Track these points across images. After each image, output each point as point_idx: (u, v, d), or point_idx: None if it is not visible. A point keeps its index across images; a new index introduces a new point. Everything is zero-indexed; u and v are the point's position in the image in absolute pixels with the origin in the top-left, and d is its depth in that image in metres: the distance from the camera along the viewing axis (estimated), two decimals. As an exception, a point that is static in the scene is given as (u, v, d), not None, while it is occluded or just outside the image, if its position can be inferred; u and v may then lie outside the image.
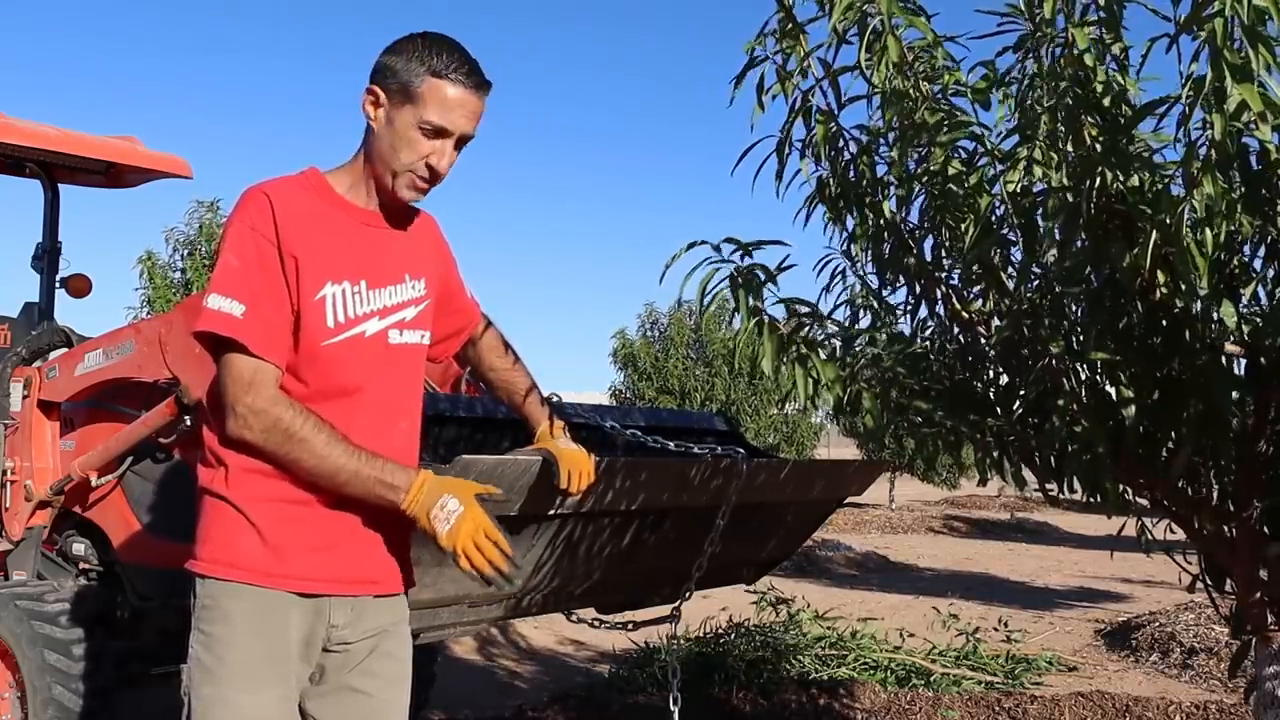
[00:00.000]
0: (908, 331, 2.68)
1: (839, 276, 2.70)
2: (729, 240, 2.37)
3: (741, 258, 2.37)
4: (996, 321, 2.50)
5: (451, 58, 1.97)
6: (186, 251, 12.55)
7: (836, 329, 2.62)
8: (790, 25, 2.37)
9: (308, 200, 2.00)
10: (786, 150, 2.53)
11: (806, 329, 2.48)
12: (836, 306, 2.70)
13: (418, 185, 2.02)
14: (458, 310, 2.31)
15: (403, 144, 1.97)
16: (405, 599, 2.16)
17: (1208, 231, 1.88)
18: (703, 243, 2.41)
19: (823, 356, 2.41)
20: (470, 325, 2.37)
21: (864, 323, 2.71)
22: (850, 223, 2.58)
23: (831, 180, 2.56)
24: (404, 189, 2.02)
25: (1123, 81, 2.11)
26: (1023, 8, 2.19)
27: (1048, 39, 2.10)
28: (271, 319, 1.92)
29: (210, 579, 1.95)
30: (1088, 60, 2.04)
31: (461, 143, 2.03)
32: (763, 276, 2.35)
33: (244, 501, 1.95)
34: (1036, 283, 2.44)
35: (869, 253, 2.59)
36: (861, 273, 2.68)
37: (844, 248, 2.66)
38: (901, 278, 2.61)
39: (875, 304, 2.67)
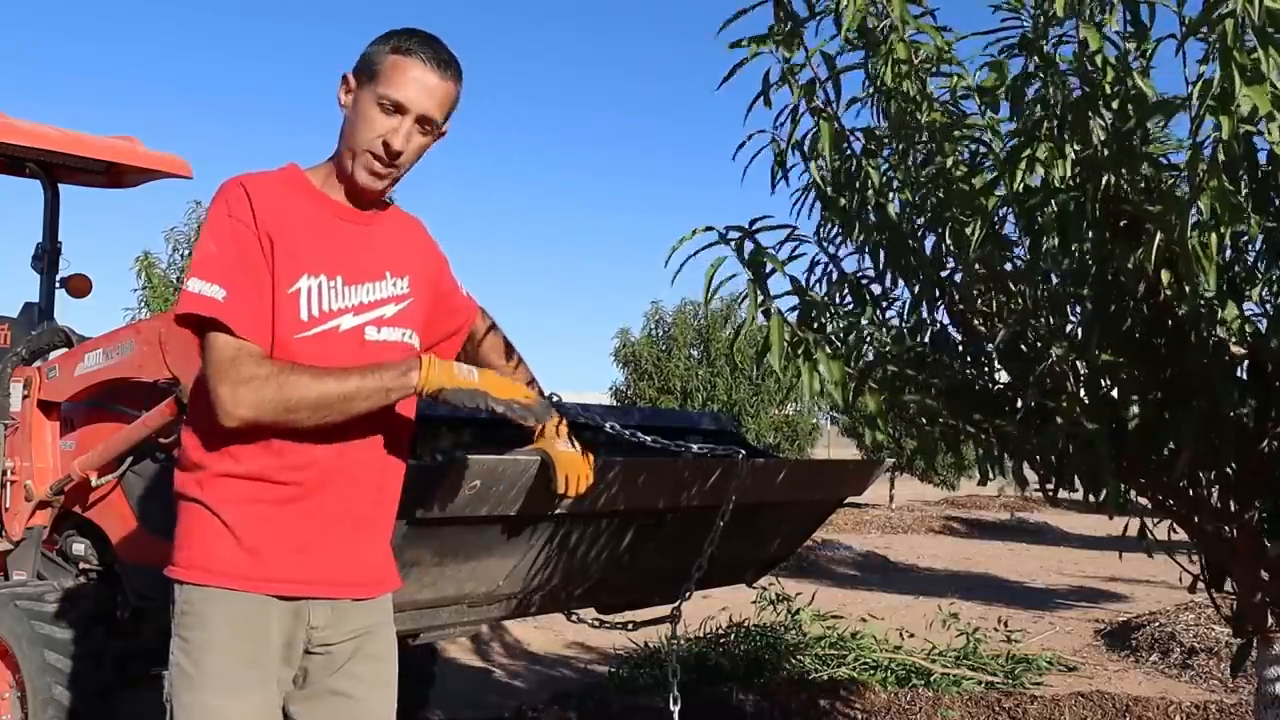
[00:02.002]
0: (902, 325, 2.67)
1: (816, 263, 2.68)
2: (734, 228, 2.35)
3: (741, 247, 2.35)
4: (999, 320, 2.50)
5: (417, 40, 1.99)
6: (186, 251, 12.56)
7: (842, 322, 2.61)
8: (789, 25, 2.36)
9: (285, 194, 1.99)
10: (788, 150, 2.52)
11: (814, 320, 2.47)
12: (841, 299, 2.69)
13: (374, 169, 2.00)
14: (453, 311, 2.30)
15: (362, 122, 1.97)
16: (387, 600, 2.14)
17: (1213, 234, 1.87)
18: (710, 228, 2.40)
19: (829, 352, 2.40)
20: (466, 324, 2.35)
21: (859, 314, 2.70)
22: (851, 219, 2.57)
23: (829, 180, 2.55)
24: (360, 171, 2.00)
25: (1134, 82, 2.09)
26: (1027, 3, 2.18)
27: (1054, 38, 2.09)
28: (252, 302, 1.90)
29: (188, 584, 1.94)
30: (1099, 61, 2.03)
31: (426, 126, 2.00)
32: (770, 266, 2.34)
33: (219, 504, 1.93)
34: (1040, 283, 2.43)
35: (869, 249, 2.59)
36: (837, 256, 2.66)
37: (830, 240, 2.64)
38: (901, 275, 2.60)
39: (856, 291, 2.65)
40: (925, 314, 2.63)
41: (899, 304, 2.68)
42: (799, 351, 2.35)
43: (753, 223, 2.43)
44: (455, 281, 2.32)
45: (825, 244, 2.64)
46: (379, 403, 1.93)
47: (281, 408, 1.86)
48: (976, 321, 2.53)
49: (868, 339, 2.60)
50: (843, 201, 2.55)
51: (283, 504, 1.94)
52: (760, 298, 2.35)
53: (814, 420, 17.47)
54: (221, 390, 1.86)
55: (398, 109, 1.97)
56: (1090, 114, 2.06)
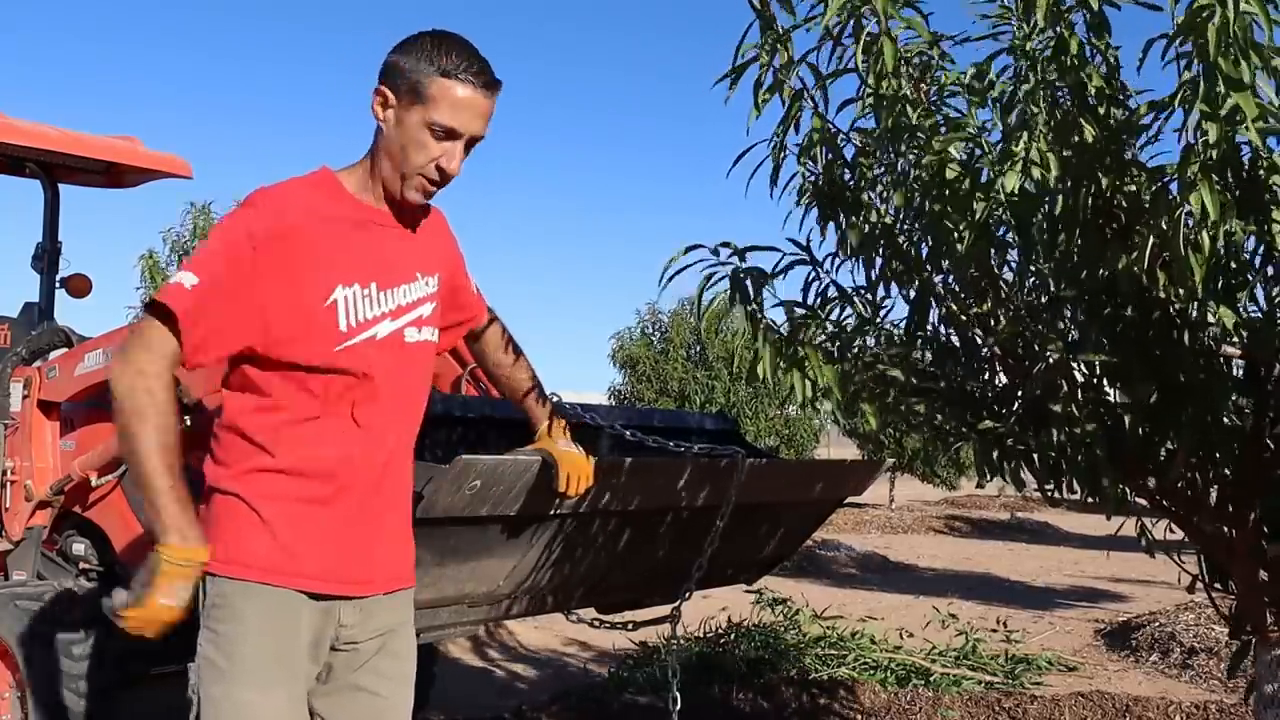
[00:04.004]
0: (899, 332, 2.68)
1: (812, 281, 2.69)
2: (725, 244, 2.37)
3: (738, 261, 2.37)
4: (994, 323, 2.50)
5: (461, 57, 1.94)
6: (182, 253, 12.60)
7: (833, 330, 2.62)
8: (772, 31, 2.36)
9: (317, 202, 1.98)
10: (782, 154, 2.53)
11: (804, 331, 2.48)
12: (828, 304, 2.69)
13: (426, 188, 2.00)
14: (461, 305, 2.30)
15: (412, 146, 1.95)
16: (409, 597, 2.16)
17: (1205, 236, 1.88)
18: (699, 246, 2.42)
19: (820, 359, 2.41)
20: (472, 319, 2.36)
21: (851, 322, 2.71)
22: (843, 224, 2.58)
23: (824, 183, 2.56)
24: (412, 191, 2.00)
25: (1113, 89, 2.10)
26: (1014, 8, 2.19)
27: (1038, 36, 2.09)
28: (217, 315, 1.89)
29: (221, 578, 1.94)
30: (1085, 72, 2.04)
31: (471, 143, 2.00)
32: (759, 280, 2.36)
33: (256, 499, 1.94)
34: (1034, 283, 2.44)
35: (862, 254, 2.59)
36: (836, 273, 2.67)
37: (837, 249, 2.65)
38: (899, 280, 2.60)
39: (859, 305, 2.66)
40: (923, 317, 2.63)
41: (893, 309, 2.69)
42: (789, 360, 2.36)
43: (748, 250, 2.45)
44: (467, 277, 2.32)
45: (821, 254, 2.64)
46: (146, 509, 1.91)
47: (119, 421, 1.88)
48: (972, 325, 2.53)
49: (858, 347, 2.61)
50: (838, 209, 2.55)
51: (318, 502, 1.96)
52: (750, 313, 2.36)
53: (815, 423, 17.37)
54: (131, 353, 1.88)
55: (450, 135, 1.95)
56: (1079, 119, 2.07)
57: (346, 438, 1.97)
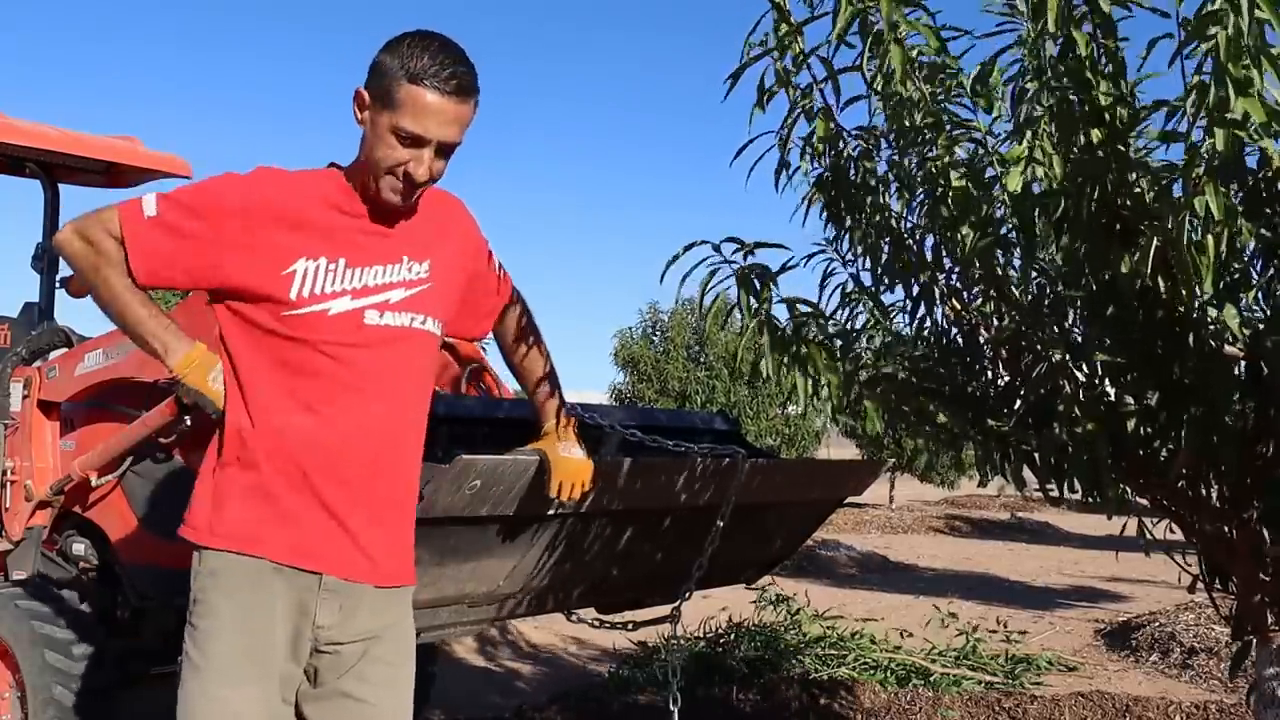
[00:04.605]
0: (905, 331, 2.68)
1: (831, 274, 2.70)
2: (730, 240, 2.36)
3: (744, 258, 2.37)
4: (997, 322, 2.50)
5: (434, 61, 1.91)
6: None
7: (837, 328, 2.62)
8: (785, 27, 2.36)
9: (310, 186, 2.01)
10: (787, 148, 2.52)
11: (807, 329, 2.48)
12: (836, 307, 2.69)
13: (399, 190, 1.99)
14: (486, 293, 2.28)
15: (383, 149, 1.95)
16: (402, 599, 2.14)
17: (1209, 237, 1.87)
18: (703, 242, 2.41)
19: (824, 357, 2.41)
20: (499, 307, 2.33)
21: (859, 320, 2.71)
22: (848, 221, 2.58)
23: (830, 179, 2.56)
24: (387, 193, 1.99)
25: (1120, 89, 2.10)
26: (1021, 8, 2.19)
27: (1047, 37, 2.09)
28: (161, 246, 1.99)
29: (204, 550, 1.98)
30: (1089, 74, 2.03)
31: (445, 150, 1.98)
32: (764, 277, 2.36)
33: (230, 478, 1.98)
34: (1037, 281, 2.44)
35: (867, 253, 2.59)
36: (854, 270, 2.68)
37: (835, 245, 2.65)
38: (900, 278, 2.60)
39: (870, 301, 2.66)
40: (925, 316, 2.63)
41: (900, 308, 2.69)
42: (792, 357, 2.36)
43: (755, 247, 2.45)
44: (492, 262, 2.29)
45: (836, 251, 2.65)
46: (144, 348, 2.07)
47: (88, 272, 2.02)
48: (976, 323, 2.53)
49: (863, 345, 2.61)
50: (843, 205, 2.55)
51: (281, 479, 1.96)
52: (753, 309, 2.36)
53: (819, 424, 17.30)
54: (81, 219, 2.02)
55: (416, 142, 1.94)
56: (1084, 122, 2.06)
57: (340, 423, 1.97)
